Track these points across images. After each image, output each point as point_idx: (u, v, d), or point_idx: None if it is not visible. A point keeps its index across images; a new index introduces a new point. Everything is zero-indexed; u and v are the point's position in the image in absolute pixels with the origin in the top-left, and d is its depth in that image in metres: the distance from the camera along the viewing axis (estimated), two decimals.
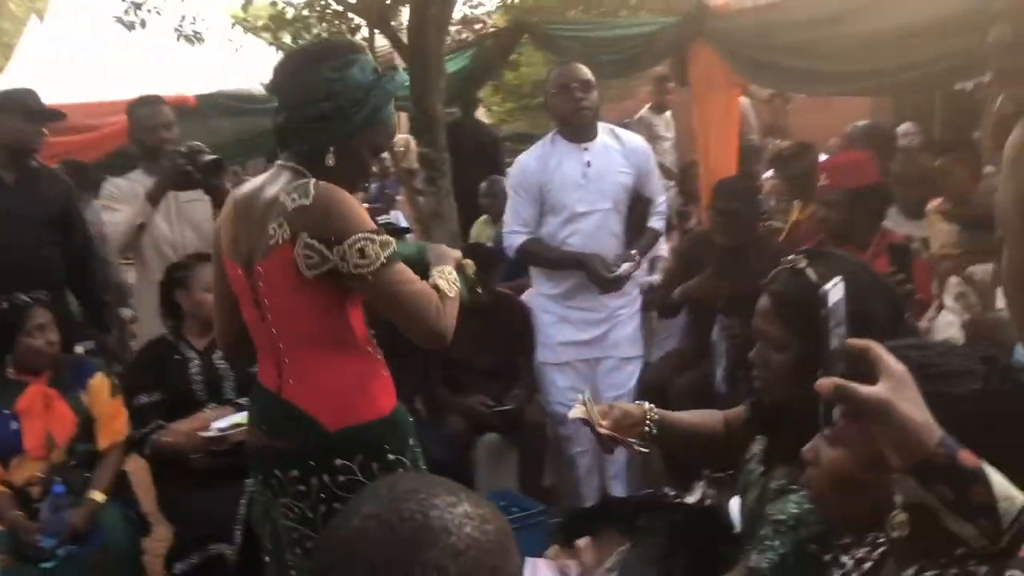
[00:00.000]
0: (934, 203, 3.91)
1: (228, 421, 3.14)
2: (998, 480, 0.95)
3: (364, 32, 7.22)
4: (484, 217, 5.61)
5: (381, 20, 5.41)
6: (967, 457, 0.95)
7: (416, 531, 0.82)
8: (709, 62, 4.68)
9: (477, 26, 6.98)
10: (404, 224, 6.20)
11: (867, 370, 1.00)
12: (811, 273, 1.58)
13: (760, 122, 7.16)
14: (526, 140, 12.32)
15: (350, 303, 1.89)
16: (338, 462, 1.86)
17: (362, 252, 1.76)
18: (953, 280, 1.81)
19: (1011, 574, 0.78)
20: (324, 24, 7.01)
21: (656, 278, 4.23)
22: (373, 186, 14.10)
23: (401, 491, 0.84)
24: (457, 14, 6.31)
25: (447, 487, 0.87)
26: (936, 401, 1.10)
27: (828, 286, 1.03)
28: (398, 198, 8.03)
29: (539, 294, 3.71)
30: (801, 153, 4.43)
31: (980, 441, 1.07)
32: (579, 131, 3.48)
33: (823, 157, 6.83)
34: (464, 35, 6.84)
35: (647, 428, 1.89)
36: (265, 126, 6.98)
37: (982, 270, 1.81)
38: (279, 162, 1.92)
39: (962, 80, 4.86)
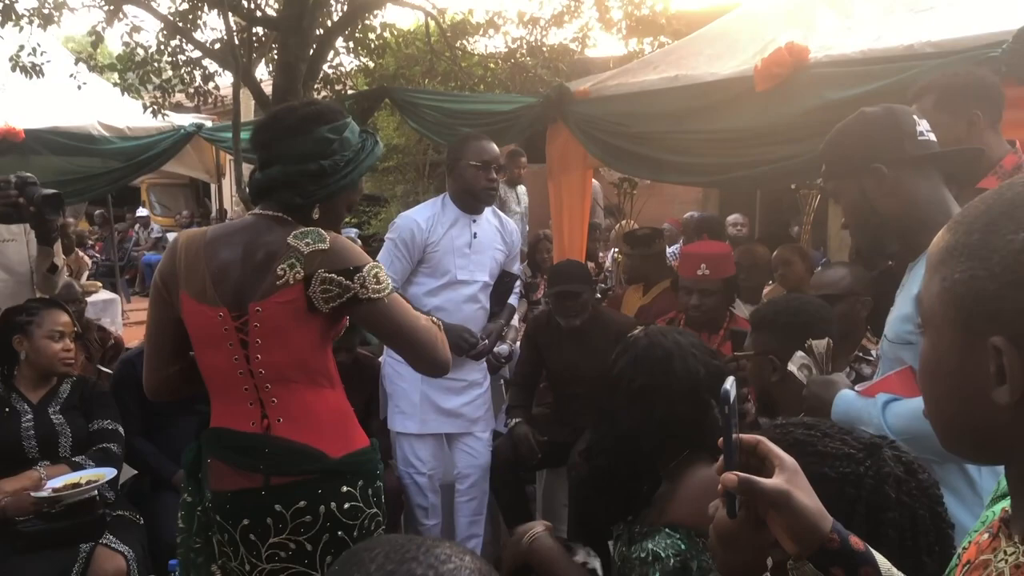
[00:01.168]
0: (768, 289, 4.25)
1: (63, 480, 2.95)
2: (882, 560, 1.05)
3: (217, 81, 7.08)
4: None
5: (245, 73, 5.34)
6: (856, 541, 1.03)
7: None
8: (566, 143, 4.91)
9: (338, 87, 7.00)
10: None
11: (757, 463, 1.07)
12: (640, 339, 1.86)
13: (607, 203, 7.54)
14: (372, 202, 12.37)
15: (330, 341, 2.02)
16: (344, 489, 1.93)
17: (377, 278, 1.94)
18: (799, 353, 2.04)
19: None
20: (175, 70, 6.81)
21: (505, 348, 4.36)
22: None
23: (399, 549, 0.81)
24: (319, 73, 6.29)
25: (435, 542, 0.85)
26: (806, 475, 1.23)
27: (727, 385, 1.09)
28: None
29: (400, 361, 3.69)
30: (655, 237, 4.74)
31: (838, 520, 1.20)
32: (477, 205, 3.58)
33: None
34: (323, 94, 6.83)
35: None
36: (95, 167, 6.71)
37: (822, 343, 2.05)
38: (258, 211, 2.02)
39: (792, 180, 5.35)
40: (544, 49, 7.08)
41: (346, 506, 1.92)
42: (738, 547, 1.32)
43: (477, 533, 3.78)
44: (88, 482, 2.93)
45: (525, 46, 7.12)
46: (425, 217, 3.60)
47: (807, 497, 1.03)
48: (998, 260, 0.75)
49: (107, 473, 3.01)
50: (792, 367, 2.01)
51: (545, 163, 5.20)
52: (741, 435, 1.09)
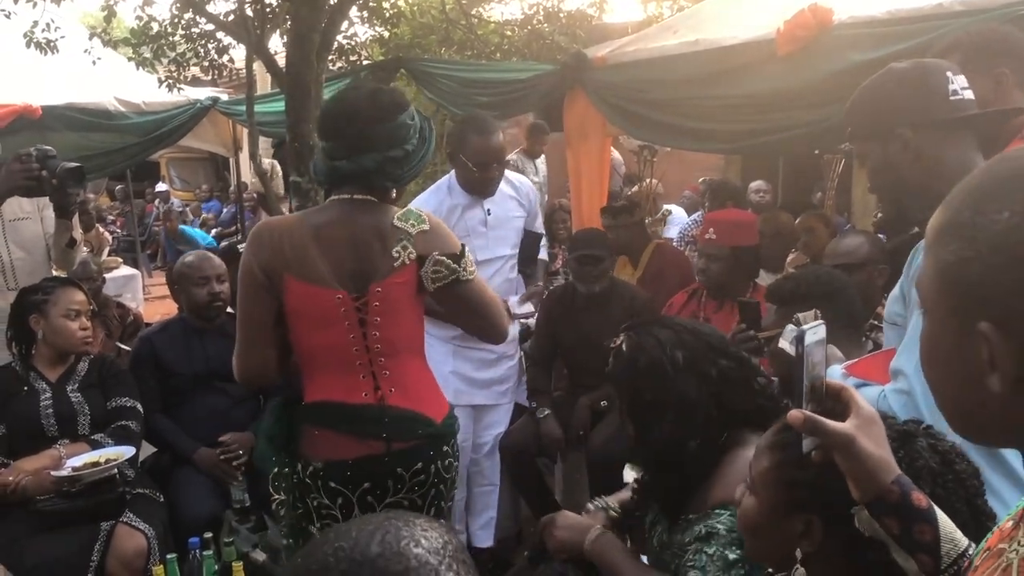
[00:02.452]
0: (791, 257, 4.17)
1: (83, 459, 2.95)
2: (946, 523, 1.05)
3: (232, 54, 7.02)
4: None
5: (258, 45, 5.28)
6: (919, 498, 1.05)
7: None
8: (584, 111, 4.82)
9: (352, 57, 6.91)
10: None
11: (841, 409, 1.10)
12: (624, 348, 1.80)
13: (627, 171, 7.44)
14: None
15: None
16: (444, 448, 2.17)
17: (470, 260, 2.16)
18: (789, 327, 1.97)
19: None
20: (190, 43, 6.75)
21: (529, 307, 4.31)
22: (224, 210, 13.74)
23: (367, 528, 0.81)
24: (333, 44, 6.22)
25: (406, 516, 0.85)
26: (830, 468, 1.15)
27: (806, 327, 1.12)
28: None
29: (429, 335, 3.63)
30: (634, 208, 4.63)
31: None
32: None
33: (675, 206, 7.24)
34: (338, 65, 6.75)
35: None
36: (113, 143, 6.71)
37: (809, 315, 1.98)
38: (348, 195, 2.12)
39: (816, 146, 5.23)
40: (561, 15, 6.96)
41: (446, 463, 2.17)
42: (763, 536, 1.29)
43: (491, 504, 3.75)
44: (107, 460, 2.93)
45: (542, 12, 7.00)
46: (433, 207, 3.47)
47: (873, 445, 1.06)
48: (984, 240, 0.72)
49: (126, 451, 3.01)
50: (783, 342, 1.96)
51: (563, 131, 5.12)
52: (828, 380, 1.13)
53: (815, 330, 1.14)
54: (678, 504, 1.75)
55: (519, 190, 3.72)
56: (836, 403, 1.12)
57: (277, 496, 2.20)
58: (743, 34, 3.84)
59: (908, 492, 1.05)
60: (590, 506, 2.09)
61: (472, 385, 3.62)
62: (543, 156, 7.29)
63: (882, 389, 1.61)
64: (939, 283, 0.77)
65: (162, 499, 3.14)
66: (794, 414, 1.09)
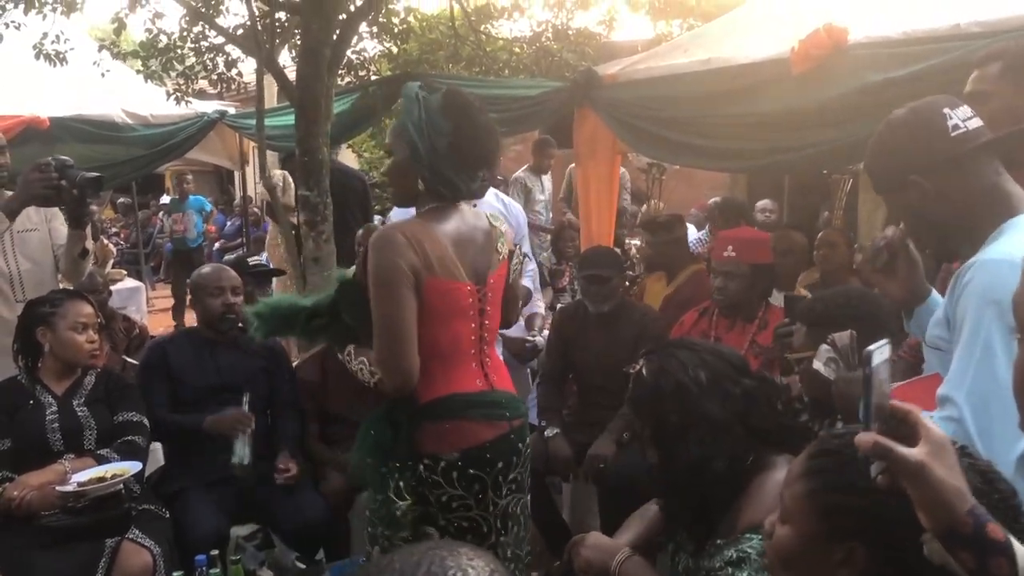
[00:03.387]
0: (803, 275, 4.15)
1: (88, 474, 2.91)
2: (1023, 554, 1.01)
3: (240, 67, 7.02)
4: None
5: (268, 59, 5.27)
6: (994, 530, 1.01)
7: None
8: (594, 128, 4.82)
9: (361, 72, 6.91)
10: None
11: (908, 432, 1.06)
12: (645, 372, 1.78)
13: (635, 188, 7.42)
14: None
15: None
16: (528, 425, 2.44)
17: None
18: (823, 347, 1.95)
19: None
20: (199, 56, 6.75)
21: (537, 338, 4.30)
22: (229, 223, 13.73)
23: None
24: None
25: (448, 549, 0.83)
26: (871, 492, 1.12)
27: (873, 347, 1.08)
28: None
29: None
30: (675, 222, 4.62)
31: (912, 535, 1.11)
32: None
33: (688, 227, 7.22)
34: (347, 80, 6.75)
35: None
36: (119, 155, 6.71)
37: (845, 336, 1.95)
38: (446, 203, 2.26)
39: (828, 166, 5.22)
40: (570, 32, 6.96)
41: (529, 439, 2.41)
42: (798, 567, 1.24)
43: None
44: (114, 476, 2.89)
45: (550, 30, 7.00)
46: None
47: (946, 472, 1.02)
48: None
49: (132, 467, 2.97)
50: (817, 363, 1.93)
51: (572, 148, 5.11)
52: (895, 403, 1.08)
53: (881, 350, 1.10)
54: (705, 529, 1.72)
55: (508, 209, 3.77)
56: (903, 426, 1.08)
57: (400, 503, 2.21)
58: (756, 53, 3.83)
59: (984, 524, 1.01)
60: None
61: None
62: (549, 175, 7.27)
63: (929, 416, 1.58)
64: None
65: (168, 516, 3.10)
66: (862, 437, 1.06)
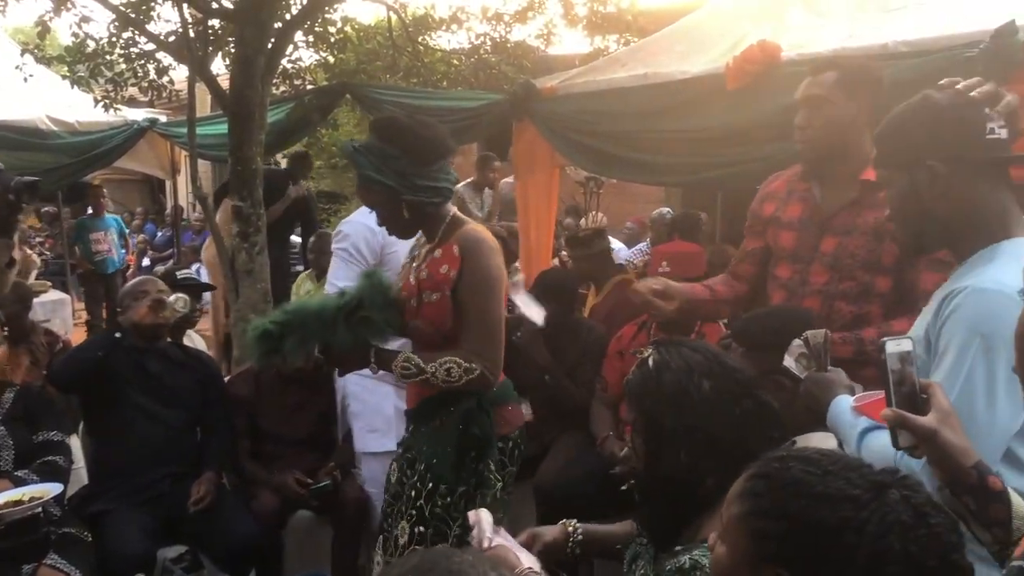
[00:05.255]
0: None
1: (4, 497, 2.78)
2: (1019, 503, 1.24)
3: (172, 75, 6.87)
4: (307, 272, 5.56)
5: (200, 67, 5.15)
6: (994, 481, 1.24)
7: None
8: (532, 141, 4.81)
9: (297, 82, 6.82)
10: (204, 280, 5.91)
11: (923, 403, 1.30)
12: (651, 362, 1.70)
13: (572, 202, 7.45)
14: (332, 199, 12.15)
15: None
16: None
17: None
18: (796, 342, 1.92)
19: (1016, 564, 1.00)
20: (128, 63, 6.57)
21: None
22: (160, 234, 13.41)
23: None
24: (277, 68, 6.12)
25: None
26: (799, 521, 1.14)
27: (887, 339, 1.35)
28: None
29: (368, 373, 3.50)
30: (595, 237, 4.65)
31: (836, 569, 1.11)
32: None
33: (615, 241, 7.29)
34: (282, 89, 6.65)
35: (570, 550, 1.91)
36: (44, 163, 6.52)
37: (819, 334, 1.92)
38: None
39: (761, 182, 5.29)
40: (508, 45, 6.97)
41: None
42: None
43: None
44: (31, 499, 2.76)
45: (489, 42, 7.00)
46: (374, 219, 3.46)
47: (954, 436, 1.26)
48: None
49: (52, 489, 2.84)
50: (788, 359, 1.91)
51: (507, 161, 5.10)
52: (921, 380, 1.34)
53: (898, 342, 1.35)
54: (672, 536, 1.68)
55: None
56: (924, 397, 1.31)
57: (495, 484, 2.44)
58: (692, 68, 3.86)
59: (985, 475, 1.24)
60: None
61: None
62: (490, 191, 7.25)
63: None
64: None
65: (90, 539, 2.98)
66: (886, 412, 1.30)
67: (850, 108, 2.40)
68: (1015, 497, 1.25)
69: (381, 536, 2.56)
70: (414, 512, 2.39)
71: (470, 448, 2.39)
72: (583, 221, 6.53)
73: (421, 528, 2.36)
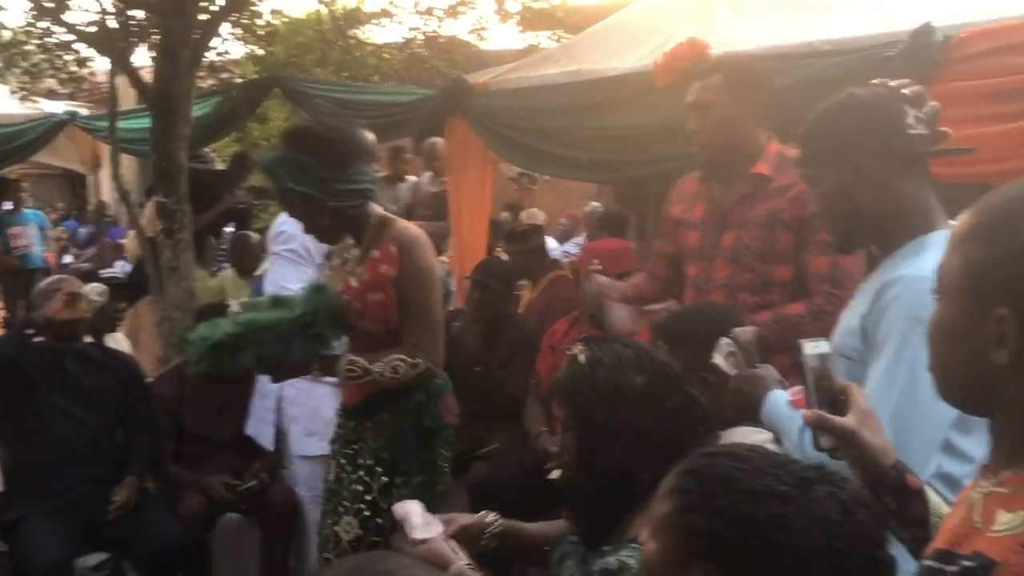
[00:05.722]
0: None
1: None
2: (936, 501, 1.25)
3: (93, 66, 6.65)
4: (231, 271, 5.42)
5: (122, 58, 4.99)
6: (912, 480, 1.25)
7: None
8: (465, 137, 4.78)
9: (224, 75, 6.66)
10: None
11: (843, 403, 1.30)
12: (582, 358, 1.68)
13: (507, 199, 7.43)
14: (261, 195, 11.95)
15: None
16: None
17: None
18: (724, 341, 1.92)
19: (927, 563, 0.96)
20: (46, 54, 6.34)
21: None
22: (82, 230, 12.98)
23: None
24: (203, 60, 5.98)
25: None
26: (728, 516, 1.14)
27: (803, 340, 1.36)
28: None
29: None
30: (530, 233, 4.67)
31: (763, 565, 1.12)
32: None
33: (548, 238, 7.30)
34: (209, 82, 6.49)
35: (485, 542, 1.89)
36: None
37: (748, 331, 1.94)
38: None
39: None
40: (440, 40, 6.94)
41: None
42: None
43: None
44: None
45: (421, 37, 6.96)
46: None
47: (872, 435, 1.26)
48: (1014, 245, 0.88)
49: None
50: (717, 357, 1.91)
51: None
52: (839, 380, 1.35)
53: (815, 343, 1.35)
54: (603, 534, 1.67)
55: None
56: (842, 398, 1.30)
57: (446, 472, 2.61)
58: (623, 65, 3.89)
59: (903, 475, 1.24)
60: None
61: None
62: (406, 185, 7.13)
63: None
64: (964, 274, 0.93)
65: (5, 548, 2.86)
66: (807, 414, 1.30)
67: (737, 107, 2.49)
68: (933, 496, 1.26)
69: (319, 536, 2.55)
70: (363, 506, 2.40)
71: (423, 439, 2.47)
72: (521, 216, 6.52)
73: (379, 520, 2.38)
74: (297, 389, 3.38)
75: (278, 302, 2.45)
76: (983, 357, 0.90)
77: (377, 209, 2.47)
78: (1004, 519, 0.85)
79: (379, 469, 2.42)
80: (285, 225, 3.41)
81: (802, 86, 2.99)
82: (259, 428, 3.59)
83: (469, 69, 6.21)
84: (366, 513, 2.39)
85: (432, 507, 2.22)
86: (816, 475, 1.18)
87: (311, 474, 3.39)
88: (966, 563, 0.85)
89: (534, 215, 6.32)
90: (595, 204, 6.48)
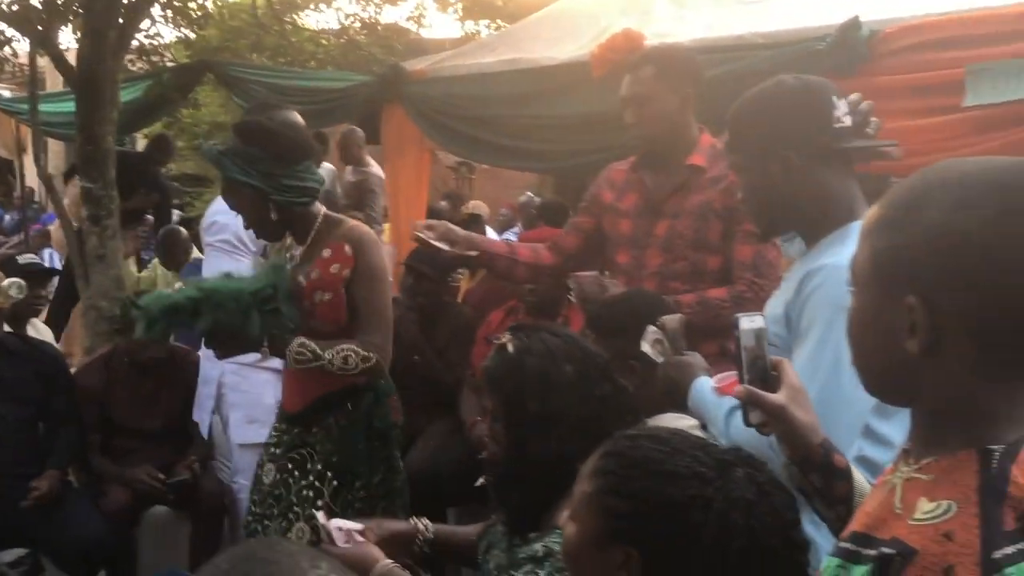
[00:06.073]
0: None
1: None
2: (860, 480, 1.24)
3: (16, 47, 6.43)
4: (156, 262, 5.32)
5: (44, 38, 4.82)
6: (839, 459, 1.25)
7: None
8: (401, 124, 4.74)
9: (154, 58, 6.49)
10: (55, 264, 5.58)
11: (775, 379, 1.29)
12: (511, 347, 1.67)
13: (445, 187, 7.40)
14: (196, 182, 11.73)
15: None
16: None
17: None
18: (651, 328, 1.93)
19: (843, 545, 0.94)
20: None
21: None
22: (8, 217, 12.54)
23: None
24: (132, 42, 5.81)
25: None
26: (648, 498, 1.15)
27: (740, 315, 1.33)
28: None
29: (246, 362, 3.23)
30: (470, 223, 4.66)
31: (683, 546, 1.13)
32: None
33: (487, 228, 7.29)
34: (139, 66, 6.32)
35: (418, 547, 1.86)
36: None
37: (674, 319, 1.94)
38: None
39: None
40: (379, 27, 6.85)
41: None
42: (582, 565, 1.24)
43: None
44: None
45: (358, 23, 6.87)
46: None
47: (802, 413, 1.25)
48: (915, 232, 0.88)
49: None
50: (645, 345, 1.91)
51: (380, 144, 5.02)
52: (772, 356, 1.32)
53: (751, 318, 1.33)
54: (531, 523, 1.65)
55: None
56: (775, 375, 1.29)
57: (401, 470, 2.57)
58: (560, 55, 3.89)
59: (830, 453, 1.24)
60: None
61: None
62: (329, 165, 7.04)
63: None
64: (874, 264, 0.93)
65: None
66: (739, 389, 1.28)
67: (672, 99, 2.50)
68: (858, 475, 1.25)
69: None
70: (315, 512, 2.33)
71: (374, 440, 2.46)
72: (463, 207, 6.50)
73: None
74: (239, 376, 3.35)
75: (230, 277, 2.44)
76: (898, 347, 0.90)
77: (322, 209, 2.46)
78: (926, 508, 0.85)
79: (329, 474, 2.40)
80: (217, 215, 3.36)
81: (732, 79, 3.03)
82: (199, 415, 3.54)
83: (408, 56, 6.16)
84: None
85: (389, 503, 2.48)
86: (734, 458, 1.21)
87: (252, 462, 3.32)
88: (885, 550, 0.84)
89: (478, 206, 6.32)
90: (529, 194, 6.48)
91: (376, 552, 1.76)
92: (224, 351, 2.45)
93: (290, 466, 2.44)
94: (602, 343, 2.02)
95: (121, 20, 4.63)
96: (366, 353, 2.34)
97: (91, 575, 3.03)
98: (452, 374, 3.75)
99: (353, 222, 2.49)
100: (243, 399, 3.38)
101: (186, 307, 2.26)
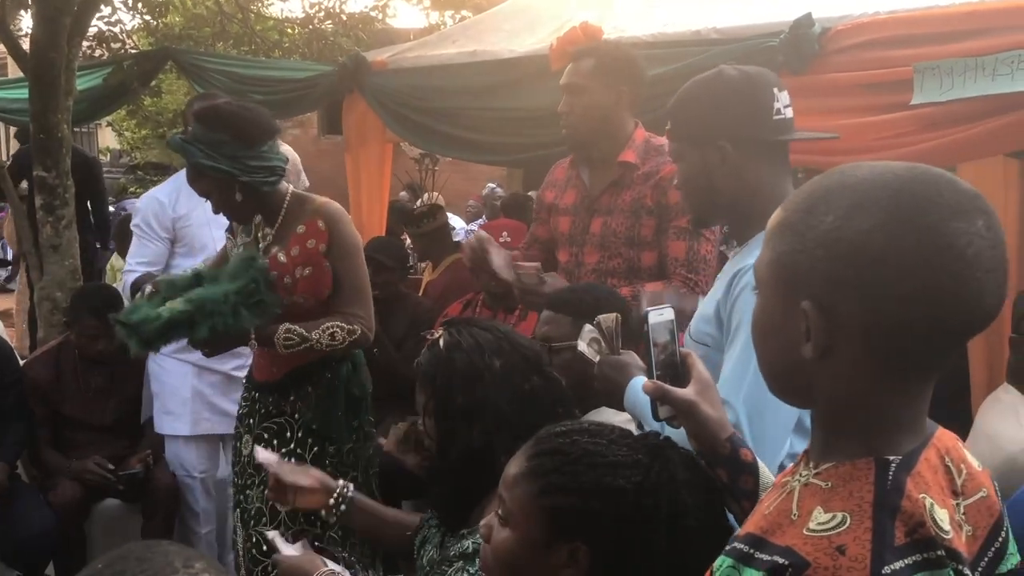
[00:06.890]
0: None
1: None
2: (765, 474, 1.25)
3: None
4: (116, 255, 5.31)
5: (0, 23, 4.74)
6: (746, 454, 1.25)
7: None
8: (363, 115, 4.71)
9: (115, 45, 6.39)
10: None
11: (684, 373, 1.29)
12: (442, 343, 1.69)
13: (408, 179, 7.36)
14: (159, 171, 11.58)
15: None
16: None
17: None
18: (587, 327, 1.93)
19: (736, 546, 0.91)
20: None
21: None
22: None
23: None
24: (92, 29, 5.73)
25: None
26: (597, 491, 1.16)
27: (650, 308, 1.30)
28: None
29: (167, 352, 3.12)
30: (431, 213, 4.64)
31: (638, 532, 1.15)
32: None
33: (456, 219, 7.29)
34: (99, 53, 6.22)
35: (334, 505, 1.88)
36: None
37: (610, 318, 1.95)
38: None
39: None
40: (343, 16, 6.80)
41: None
42: (524, 570, 1.23)
43: None
44: None
45: (323, 12, 6.81)
46: (167, 192, 3.43)
47: (711, 408, 1.25)
48: (811, 237, 0.88)
49: None
50: (581, 344, 1.92)
51: (343, 135, 4.99)
52: (681, 350, 1.33)
53: (660, 312, 1.30)
54: (462, 518, 1.66)
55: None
56: (683, 368, 1.29)
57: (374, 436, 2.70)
58: (520, 47, 3.88)
59: (738, 448, 1.25)
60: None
61: (214, 412, 3.35)
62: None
63: None
64: (774, 268, 0.93)
65: None
66: (647, 384, 1.26)
67: (608, 94, 2.53)
68: (764, 469, 1.25)
69: (238, 510, 2.58)
70: None
71: (351, 407, 2.57)
72: (421, 199, 6.47)
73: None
74: (158, 365, 3.34)
75: (201, 277, 2.47)
76: (795, 350, 0.90)
77: (289, 188, 2.53)
78: (821, 518, 0.84)
79: (309, 440, 2.50)
80: (140, 200, 3.39)
81: (687, 73, 3.03)
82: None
83: (375, 45, 6.12)
84: None
85: (364, 474, 2.60)
86: (662, 442, 1.24)
87: (179, 454, 3.37)
88: (778, 559, 0.83)
89: (436, 198, 6.30)
90: (492, 185, 6.47)
91: (317, 560, 1.77)
92: (215, 350, 2.49)
93: (266, 436, 2.50)
94: (554, 321, 2.05)
95: (76, 7, 4.57)
96: (351, 327, 2.43)
97: (40, 568, 2.99)
98: (409, 366, 3.73)
99: (323, 199, 2.55)
100: (162, 390, 3.38)
101: (182, 322, 2.31)
